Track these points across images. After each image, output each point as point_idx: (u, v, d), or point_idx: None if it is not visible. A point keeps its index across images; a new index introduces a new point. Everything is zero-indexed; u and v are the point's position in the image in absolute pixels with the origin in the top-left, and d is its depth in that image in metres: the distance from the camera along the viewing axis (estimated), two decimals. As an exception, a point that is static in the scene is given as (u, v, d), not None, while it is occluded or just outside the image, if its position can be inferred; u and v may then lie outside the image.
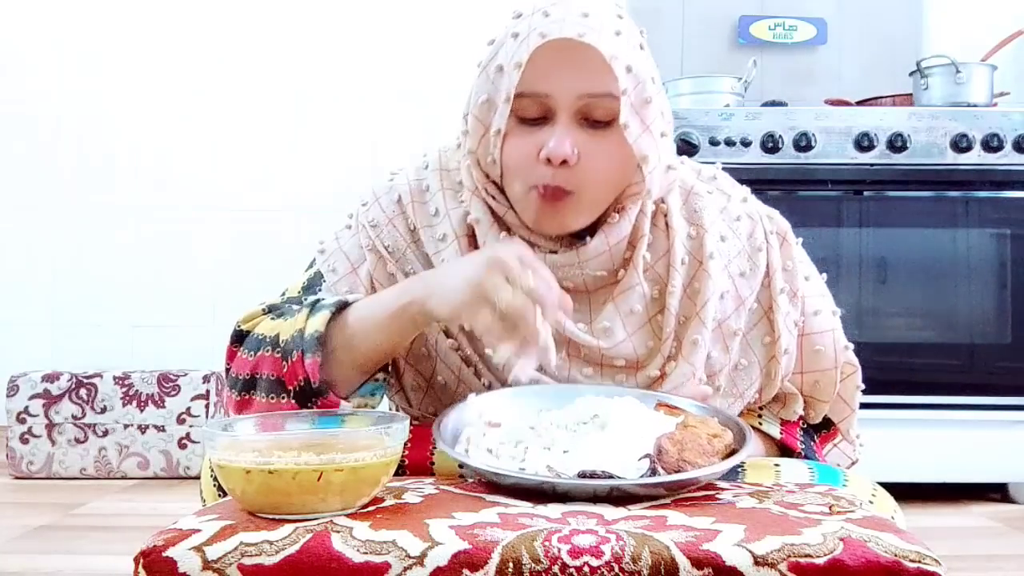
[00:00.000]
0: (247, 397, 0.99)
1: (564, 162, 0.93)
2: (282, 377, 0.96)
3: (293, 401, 0.96)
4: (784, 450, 1.09)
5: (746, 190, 1.11)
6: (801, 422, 1.12)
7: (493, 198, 1.01)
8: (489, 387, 1.02)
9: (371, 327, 0.96)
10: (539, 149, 0.94)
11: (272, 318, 1.01)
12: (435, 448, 0.97)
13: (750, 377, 1.05)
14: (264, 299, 1.07)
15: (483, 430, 0.91)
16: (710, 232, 1.03)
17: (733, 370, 1.04)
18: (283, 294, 1.09)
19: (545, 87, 0.94)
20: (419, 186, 1.07)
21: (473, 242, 1.04)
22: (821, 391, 1.08)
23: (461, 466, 0.94)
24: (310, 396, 0.96)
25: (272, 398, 0.97)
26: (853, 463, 1.16)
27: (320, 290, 1.06)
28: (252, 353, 0.99)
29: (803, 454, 1.08)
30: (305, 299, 1.03)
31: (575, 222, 0.98)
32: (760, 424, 1.09)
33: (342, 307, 0.98)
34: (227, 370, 1.03)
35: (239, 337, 1.03)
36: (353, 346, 0.96)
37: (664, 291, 1.01)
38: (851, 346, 1.11)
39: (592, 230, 1.00)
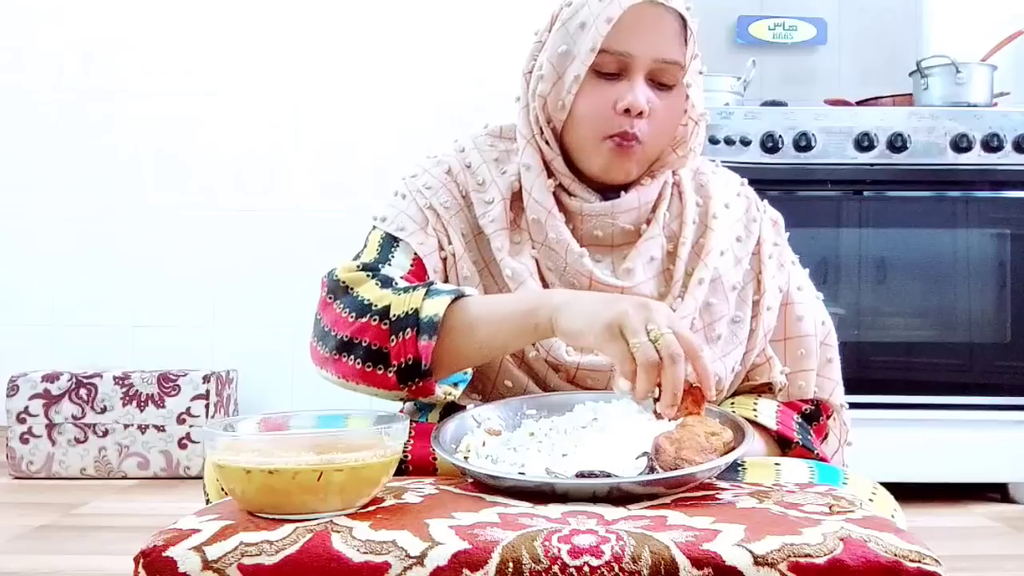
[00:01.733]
0: (339, 357, 1.01)
1: (640, 113, 1.05)
2: (387, 349, 0.98)
3: (392, 376, 0.98)
4: (781, 441, 1.10)
5: (743, 179, 1.24)
6: (796, 414, 1.13)
7: (547, 143, 1.10)
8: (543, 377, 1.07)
9: (495, 322, 0.99)
10: (614, 102, 1.05)
11: (377, 284, 1.03)
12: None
13: (745, 329, 1.13)
14: (354, 254, 1.11)
15: (483, 438, 0.91)
16: (715, 199, 1.16)
17: (731, 322, 1.13)
18: (357, 257, 1.12)
19: (627, 47, 1.04)
20: (463, 161, 1.15)
21: (517, 204, 1.11)
22: (804, 359, 1.16)
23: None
24: (412, 376, 0.98)
25: (369, 366, 0.99)
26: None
27: (396, 249, 1.10)
28: (354, 316, 1.01)
29: (800, 443, 1.09)
30: (389, 259, 1.08)
31: (638, 170, 1.09)
32: (756, 417, 1.09)
33: (459, 297, 1.00)
34: (318, 320, 1.05)
35: (337, 289, 1.04)
36: (471, 335, 0.99)
37: (677, 246, 1.13)
38: (829, 321, 1.21)
39: (627, 187, 1.11)
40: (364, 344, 1.00)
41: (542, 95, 1.09)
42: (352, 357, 1.00)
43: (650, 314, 0.89)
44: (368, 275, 1.05)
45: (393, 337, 0.98)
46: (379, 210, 1.15)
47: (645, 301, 0.91)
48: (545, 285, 1.09)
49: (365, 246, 1.13)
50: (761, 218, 1.18)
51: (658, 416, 0.90)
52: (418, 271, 1.09)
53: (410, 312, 0.98)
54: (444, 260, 1.11)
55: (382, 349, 0.98)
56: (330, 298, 1.04)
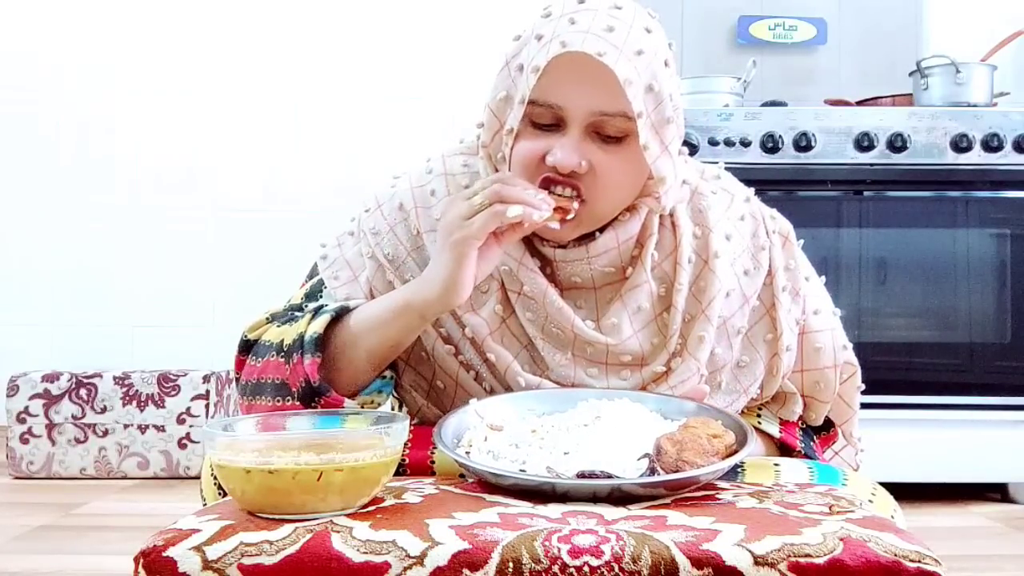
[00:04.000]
0: (255, 403, 1.02)
1: (573, 172, 0.94)
2: (286, 379, 0.99)
3: (297, 402, 0.99)
4: (784, 449, 1.09)
5: (749, 190, 1.12)
6: (800, 422, 1.12)
7: None
8: (491, 391, 1.03)
9: (375, 325, 0.98)
10: (544, 153, 0.95)
11: (277, 325, 1.04)
12: (436, 448, 0.97)
13: (753, 374, 1.05)
14: (268, 307, 1.08)
15: (484, 433, 0.91)
16: (715, 231, 1.04)
17: (735, 367, 1.05)
18: (288, 302, 1.11)
19: (559, 99, 0.94)
20: (423, 192, 1.07)
21: None
22: (821, 391, 1.09)
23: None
24: (312, 396, 0.98)
25: (278, 400, 1.00)
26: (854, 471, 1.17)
27: (322, 296, 1.08)
28: (259, 359, 1.02)
29: (803, 452, 1.08)
30: (306, 306, 1.06)
31: (584, 230, 1.00)
32: (759, 423, 1.09)
33: (344, 312, 1.01)
34: (236, 379, 1.06)
35: (246, 346, 1.05)
36: (356, 345, 0.99)
37: (671, 289, 1.02)
38: (850, 346, 1.12)
39: (602, 227, 1.01)
40: (269, 381, 1.01)
41: (484, 146, 1.02)
42: (263, 398, 1.01)
43: (455, 210, 0.92)
44: (271, 322, 1.05)
45: (287, 365, 0.99)
46: (329, 241, 1.12)
47: (446, 214, 0.94)
48: (524, 336, 1.03)
49: (305, 280, 1.12)
50: (770, 244, 1.06)
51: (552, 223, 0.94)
52: None
53: (297, 338, 0.99)
54: None
55: (284, 380, 0.99)
56: (242, 355, 1.06)
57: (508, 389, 1.01)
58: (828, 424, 1.14)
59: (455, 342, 1.04)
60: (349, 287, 1.07)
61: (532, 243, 1.02)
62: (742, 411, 1.10)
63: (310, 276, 1.12)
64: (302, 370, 0.97)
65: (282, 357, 0.99)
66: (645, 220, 1.02)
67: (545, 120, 0.95)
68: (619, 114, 0.93)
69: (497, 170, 1.02)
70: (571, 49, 0.91)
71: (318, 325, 0.98)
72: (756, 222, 1.08)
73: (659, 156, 0.96)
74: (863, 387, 1.14)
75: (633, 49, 0.93)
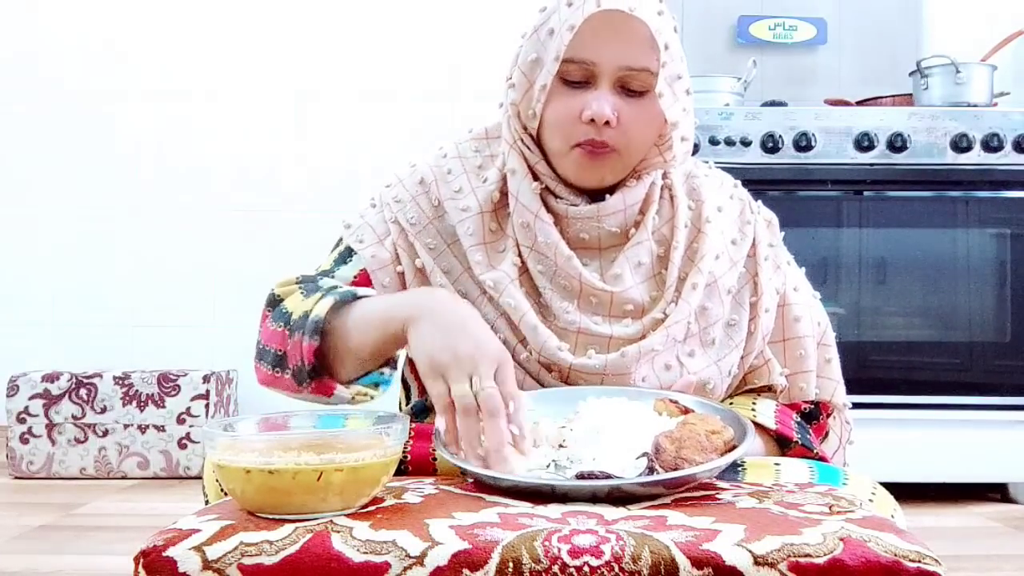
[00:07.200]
0: (258, 364, 1.08)
1: (607, 123, 1.03)
2: (287, 353, 1.03)
3: (290, 378, 1.04)
4: (781, 441, 1.10)
5: (737, 181, 1.23)
6: (795, 413, 1.14)
7: (528, 148, 1.10)
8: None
9: (364, 327, 1.01)
10: (580, 110, 1.04)
11: (302, 292, 1.07)
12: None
13: (740, 332, 1.13)
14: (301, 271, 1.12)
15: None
16: (707, 203, 1.15)
17: (726, 325, 1.12)
18: (317, 269, 1.15)
19: (591, 55, 1.03)
20: (441, 169, 1.15)
21: (501, 211, 1.11)
22: (803, 361, 1.15)
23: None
24: (306, 376, 1.02)
25: (276, 371, 1.05)
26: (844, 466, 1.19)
27: (351, 260, 1.13)
28: (273, 325, 1.06)
29: (799, 442, 1.09)
30: (335, 271, 1.12)
31: (612, 177, 1.08)
32: (754, 416, 1.10)
33: (350, 299, 1.03)
34: (259, 331, 1.10)
35: (272, 301, 1.09)
36: (348, 339, 1.02)
37: (669, 250, 1.11)
38: (826, 321, 1.19)
39: (611, 190, 1.10)
40: (271, 350, 1.05)
41: (514, 103, 1.09)
42: (264, 363, 1.07)
43: (478, 367, 0.88)
44: (299, 287, 1.09)
45: (288, 341, 1.03)
46: (351, 216, 1.17)
47: (482, 352, 0.90)
48: (532, 289, 1.09)
49: (332, 249, 1.17)
50: (755, 220, 1.17)
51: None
52: (362, 283, 1.11)
53: (302, 315, 1.02)
54: (401, 275, 1.11)
55: (284, 354, 1.04)
56: (268, 310, 1.09)
57: (521, 342, 1.06)
58: (817, 413, 1.17)
59: (473, 299, 1.09)
60: (374, 248, 1.12)
61: (546, 200, 1.09)
62: (736, 391, 1.15)
63: (335, 248, 1.17)
64: (300, 351, 1.01)
65: (288, 330, 1.03)
66: (648, 190, 1.11)
67: (576, 77, 1.04)
68: (643, 69, 1.04)
69: (526, 128, 1.09)
70: (606, 7, 1.01)
71: (321, 309, 1.01)
72: (743, 203, 1.19)
73: (672, 104, 1.07)
74: (834, 358, 1.18)
75: (655, 10, 1.05)
